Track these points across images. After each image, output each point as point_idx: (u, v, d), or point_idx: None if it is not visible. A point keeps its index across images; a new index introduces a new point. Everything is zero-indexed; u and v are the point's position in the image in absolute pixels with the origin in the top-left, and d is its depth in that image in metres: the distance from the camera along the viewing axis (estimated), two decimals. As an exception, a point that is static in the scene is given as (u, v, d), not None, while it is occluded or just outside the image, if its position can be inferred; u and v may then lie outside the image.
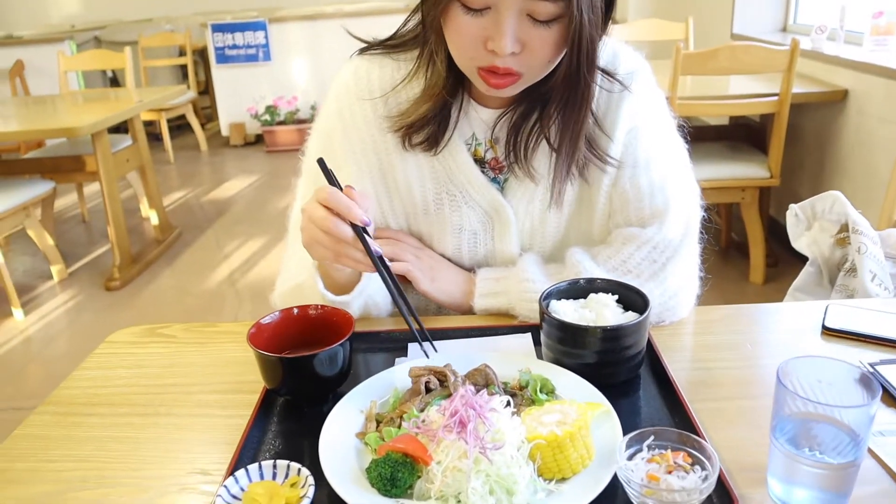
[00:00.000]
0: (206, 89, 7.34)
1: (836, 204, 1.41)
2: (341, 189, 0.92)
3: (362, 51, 1.12)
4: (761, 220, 3.16)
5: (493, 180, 1.11)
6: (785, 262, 3.35)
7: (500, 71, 0.92)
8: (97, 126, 3.29)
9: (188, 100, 6.23)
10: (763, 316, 1.12)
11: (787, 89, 2.83)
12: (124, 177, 4.18)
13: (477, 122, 1.09)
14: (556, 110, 1.01)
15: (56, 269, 3.77)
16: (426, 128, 1.05)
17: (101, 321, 3.32)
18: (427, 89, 1.03)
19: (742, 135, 3.52)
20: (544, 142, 1.05)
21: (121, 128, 4.04)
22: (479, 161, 1.11)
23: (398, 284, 0.96)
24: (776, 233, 3.51)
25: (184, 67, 6.84)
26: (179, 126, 7.03)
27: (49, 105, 3.97)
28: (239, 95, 6.39)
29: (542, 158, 1.07)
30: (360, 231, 0.90)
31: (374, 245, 0.92)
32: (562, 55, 0.93)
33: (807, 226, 1.45)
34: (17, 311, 3.37)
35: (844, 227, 1.42)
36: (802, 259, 1.52)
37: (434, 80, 1.02)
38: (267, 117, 6.16)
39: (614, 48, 1.08)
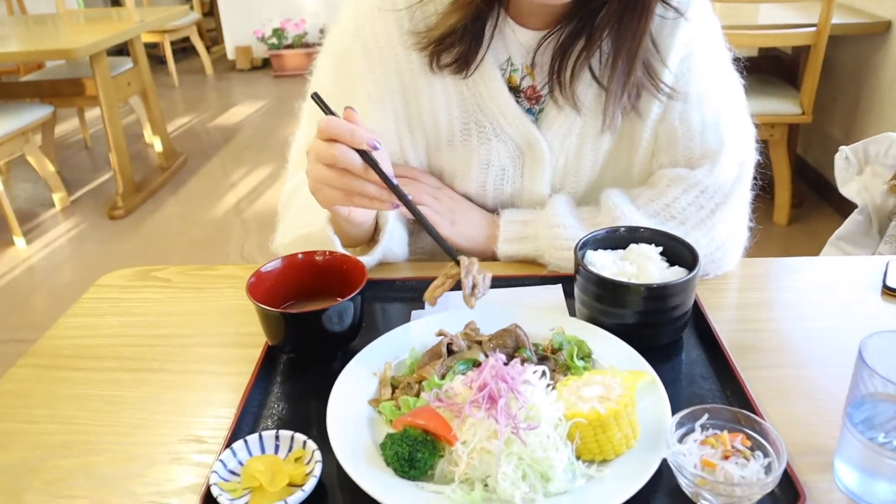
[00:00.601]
0: (212, 10, 7.07)
1: (892, 147, 1.29)
2: None
3: None
4: (789, 158, 3.02)
5: (528, 111, 1.00)
6: (811, 202, 3.22)
7: None
8: (95, 47, 3.13)
9: (192, 21, 6.02)
10: (814, 271, 1.02)
11: (826, 20, 2.65)
12: (126, 101, 4.04)
13: (514, 45, 0.97)
14: (611, 24, 0.89)
15: (58, 197, 3.68)
16: (456, 46, 0.93)
17: (104, 251, 3.25)
18: None
19: (771, 68, 3.34)
20: (588, 70, 0.94)
21: (123, 50, 3.87)
22: (514, 89, 0.99)
23: (424, 218, 0.84)
24: (803, 172, 3.38)
25: (187, -13, 6.59)
26: (184, 49, 6.81)
27: (48, 25, 3.80)
28: (245, 17, 6.16)
29: (587, 87, 0.96)
30: (370, 158, 0.77)
31: (390, 171, 0.80)
32: None
33: (857, 170, 1.33)
34: (19, 240, 3.30)
35: (899, 172, 1.30)
36: (829, 200, 1.41)
37: None
38: (274, 41, 5.95)
39: None
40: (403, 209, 0.80)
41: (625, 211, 0.95)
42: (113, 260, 3.14)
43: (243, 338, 0.86)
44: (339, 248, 0.88)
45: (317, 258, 0.83)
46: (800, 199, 3.20)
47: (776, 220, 3.09)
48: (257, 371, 0.77)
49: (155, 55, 6.11)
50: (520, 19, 0.96)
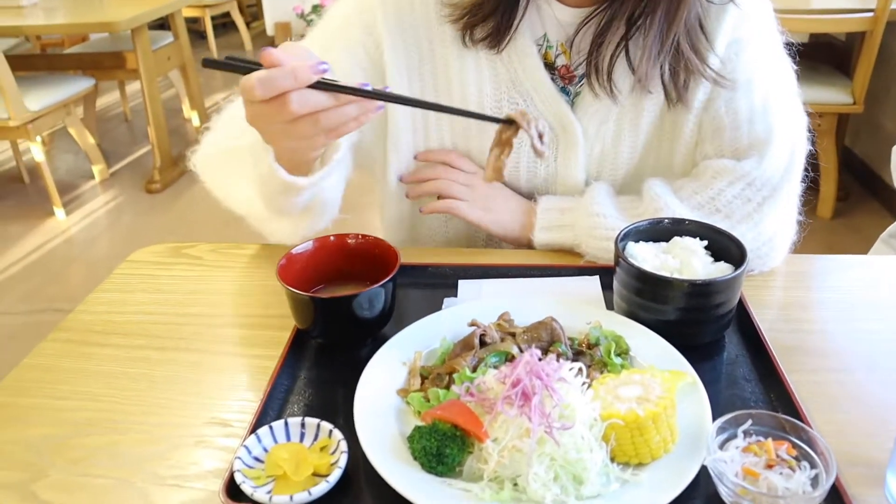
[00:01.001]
0: (253, -15, 7.09)
1: (953, 140, 1.22)
2: None
3: None
4: (836, 149, 2.92)
5: (563, 90, 0.96)
6: (857, 196, 3.12)
7: None
8: (136, 21, 3.15)
9: (232, -6, 6.03)
10: (862, 269, 0.97)
11: (886, 5, 2.54)
12: (166, 75, 4.06)
13: (551, 21, 0.94)
14: (651, 10, 0.84)
15: (97, 169, 3.72)
16: (490, 19, 0.89)
17: (140, 224, 3.28)
18: None
19: (823, 55, 3.23)
20: (626, 57, 0.90)
21: (164, 24, 3.89)
22: (549, 66, 0.95)
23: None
24: (849, 164, 3.28)
25: (229, -38, 6.59)
26: (224, 24, 6.83)
27: (88, -1, 3.83)
28: (285, -7, 6.15)
29: (625, 75, 0.92)
30: (326, 83, 0.67)
31: (351, 83, 0.69)
32: None
33: (915, 164, 1.27)
34: (59, 211, 3.34)
35: (958, 168, 1.24)
36: (876, 194, 1.35)
37: None
38: (313, 17, 5.93)
39: None
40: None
41: (668, 202, 0.91)
42: (149, 233, 3.17)
43: (272, 320, 0.85)
44: (272, 160, 0.76)
45: (349, 241, 0.81)
46: (846, 193, 3.11)
47: (820, 213, 3.00)
48: (285, 355, 0.76)
49: (195, 30, 6.13)
50: None
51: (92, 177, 3.74)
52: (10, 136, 3.19)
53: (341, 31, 0.97)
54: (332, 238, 0.81)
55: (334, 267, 0.81)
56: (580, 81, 0.96)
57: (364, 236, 0.82)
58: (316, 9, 5.88)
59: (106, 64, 3.71)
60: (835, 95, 2.79)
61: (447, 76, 0.96)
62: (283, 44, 0.72)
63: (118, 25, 3.01)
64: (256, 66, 0.67)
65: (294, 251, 0.79)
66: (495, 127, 0.86)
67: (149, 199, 3.51)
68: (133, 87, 4.94)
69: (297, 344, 0.78)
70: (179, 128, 4.43)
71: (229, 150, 0.91)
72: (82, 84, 3.45)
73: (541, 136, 0.74)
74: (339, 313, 0.74)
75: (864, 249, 1.49)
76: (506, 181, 1.02)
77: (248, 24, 6.53)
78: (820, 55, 3.23)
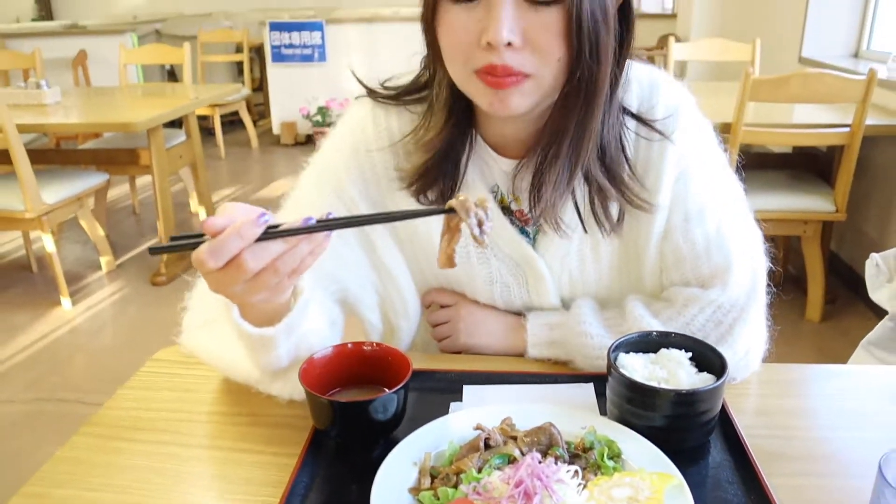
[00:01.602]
0: (261, 86, 7.40)
1: (921, 256, 1.32)
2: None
3: (372, 95, 1.02)
4: (822, 255, 3.04)
5: (523, 231, 1.03)
6: (844, 300, 3.22)
7: (499, 69, 0.81)
8: (153, 122, 3.32)
9: (242, 97, 6.30)
10: (843, 378, 1.04)
11: (861, 121, 2.71)
12: (176, 171, 4.22)
13: (498, 172, 1.01)
14: (558, 120, 0.89)
15: (105, 261, 3.82)
16: (434, 186, 0.97)
17: (146, 316, 3.35)
18: (431, 127, 0.95)
19: (806, 164, 3.39)
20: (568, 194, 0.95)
21: (175, 122, 4.07)
22: (507, 210, 1.03)
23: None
24: (836, 269, 3.38)
25: (239, 64, 6.92)
26: (232, 121, 7.11)
27: (108, 97, 4.03)
28: (292, 95, 6.43)
29: (569, 210, 0.98)
30: (272, 231, 0.71)
31: (295, 223, 0.72)
32: (570, 55, 0.82)
33: (888, 277, 1.36)
34: (66, 300, 3.42)
35: (929, 282, 1.33)
36: (863, 298, 1.43)
37: (438, 116, 0.94)
38: (319, 118, 6.19)
39: (652, 78, 0.99)
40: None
41: (650, 324, 0.97)
42: (153, 326, 3.23)
43: (291, 419, 0.91)
44: (236, 315, 0.80)
45: (365, 348, 0.89)
46: (833, 296, 3.20)
47: (809, 316, 3.08)
48: (304, 454, 0.82)
49: (204, 127, 6.36)
50: (497, 148, 0.99)
51: (99, 267, 3.84)
52: (24, 228, 3.30)
53: (312, 198, 1.03)
54: (349, 345, 0.89)
55: (351, 371, 0.88)
56: (536, 222, 1.02)
57: (378, 345, 0.89)
58: (321, 110, 6.14)
59: (120, 160, 3.87)
60: (819, 204, 2.92)
61: (414, 228, 1.03)
62: (221, 206, 0.73)
63: (137, 126, 3.17)
64: (199, 238, 0.71)
65: (315, 356, 0.87)
66: (464, 271, 0.96)
67: (154, 291, 3.59)
68: (142, 180, 5.12)
69: (316, 443, 0.85)
70: (186, 221, 4.56)
71: (208, 324, 0.95)
72: (96, 179, 3.59)
73: (480, 224, 0.75)
74: (355, 416, 0.81)
75: (852, 352, 1.56)
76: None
77: (255, 122, 6.80)
78: (804, 165, 3.39)
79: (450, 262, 0.77)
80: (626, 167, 0.96)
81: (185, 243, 0.71)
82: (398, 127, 1.00)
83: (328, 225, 0.72)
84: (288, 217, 0.95)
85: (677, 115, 0.97)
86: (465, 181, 0.99)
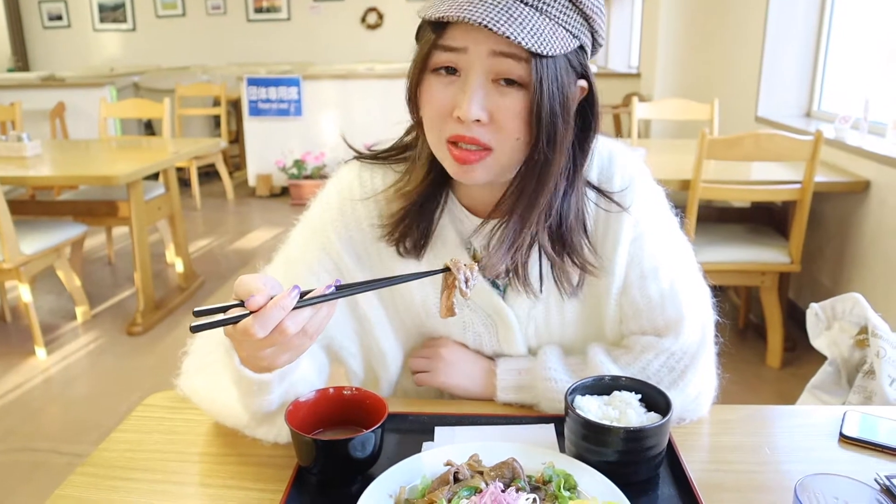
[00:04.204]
0: (237, 138, 7.53)
1: (856, 306, 1.44)
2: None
3: (360, 158, 1.13)
4: (780, 304, 3.18)
5: (494, 283, 1.11)
6: (803, 346, 3.34)
7: (466, 139, 0.91)
8: (133, 176, 3.39)
9: (219, 149, 6.39)
10: (781, 418, 1.14)
11: (810, 178, 2.88)
12: (154, 223, 4.28)
13: (471, 229, 1.08)
14: (515, 193, 0.98)
15: (81, 311, 3.84)
16: (408, 238, 1.06)
17: (121, 366, 3.37)
18: (411, 181, 1.05)
19: (764, 217, 3.56)
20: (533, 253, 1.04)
21: (155, 175, 4.14)
22: (478, 262, 1.11)
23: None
24: (795, 317, 3.52)
25: (216, 117, 7.04)
26: (208, 173, 7.19)
27: (87, 150, 4.10)
28: (268, 147, 6.55)
29: (536, 274, 1.07)
30: (301, 299, 0.82)
31: (318, 291, 0.83)
32: (531, 138, 0.92)
33: (826, 325, 1.48)
34: (41, 350, 3.43)
35: (864, 329, 1.45)
36: None
37: (418, 171, 1.04)
38: (294, 171, 6.30)
39: (610, 151, 1.08)
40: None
41: (610, 369, 1.07)
42: (129, 376, 3.26)
43: (276, 458, 0.98)
44: (237, 363, 0.89)
45: (345, 392, 0.98)
46: (793, 343, 3.33)
47: (769, 363, 3.21)
48: (288, 490, 0.90)
49: (180, 177, 6.45)
50: (470, 207, 1.08)
51: (75, 317, 3.86)
52: (1, 278, 3.32)
53: (302, 254, 1.12)
54: (331, 390, 0.98)
55: (333, 414, 0.96)
56: (506, 276, 1.07)
57: (358, 389, 0.98)
58: (297, 163, 6.25)
59: (99, 212, 3.93)
60: (774, 255, 3.07)
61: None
62: (247, 279, 0.84)
63: (118, 179, 3.24)
64: (233, 309, 0.81)
65: (300, 399, 0.95)
66: (439, 320, 1.08)
67: (130, 341, 3.61)
68: (118, 230, 5.16)
69: (299, 479, 0.92)
70: (161, 272, 4.60)
71: (206, 366, 1.04)
72: (75, 230, 3.64)
73: (467, 281, 0.89)
74: (336, 453, 0.89)
75: (807, 398, 1.66)
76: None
77: (230, 174, 6.88)
78: (762, 218, 3.56)
79: (450, 312, 0.91)
80: (585, 238, 1.06)
81: (228, 320, 0.80)
82: (382, 184, 1.10)
83: (344, 291, 0.85)
84: (279, 271, 1.06)
85: (633, 186, 1.06)
86: (440, 235, 1.09)
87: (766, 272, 3.09)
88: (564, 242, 1.03)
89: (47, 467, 2.54)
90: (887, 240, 2.95)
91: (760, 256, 3.07)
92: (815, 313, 1.50)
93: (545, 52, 0.87)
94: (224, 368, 0.93)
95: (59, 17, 10.83)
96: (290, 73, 6.53)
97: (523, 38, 0.85)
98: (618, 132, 6.32)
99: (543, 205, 0.98)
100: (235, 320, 0.80)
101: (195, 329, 0.79)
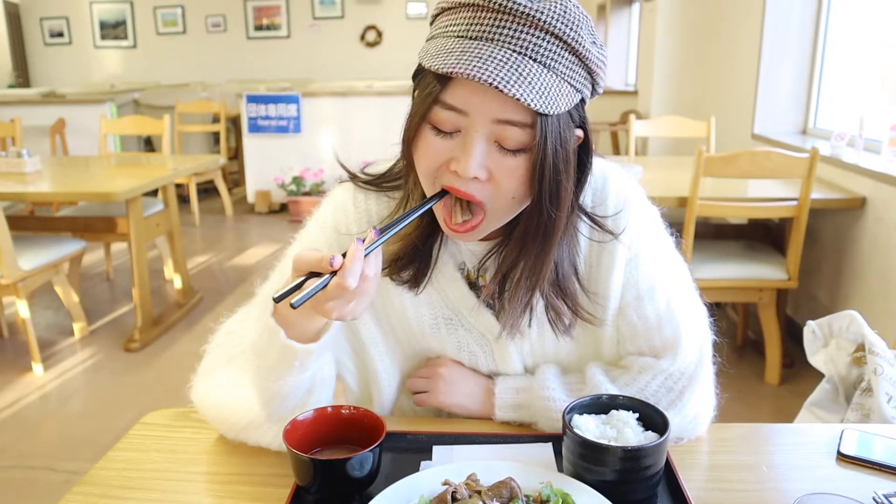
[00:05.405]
0: (236, 155, 7.55)
1: (852, 324, 1.45)
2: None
3: (354, 180, 1.12)
4: (778, 320, 3.18)
5: (489, 305, 1.11)
6: (802, 362, 3.34)
7: (461, 193, 0.91)
8: (133, 192, 3.40)
9: (219, 166, 6.41)
10: (779, 436, 1.14)
11: (806, 195, 2.89)
12: (153, 239, 4.28)
13: (466, 252, 1.10)
14: (517, 249, 0.99)
15: (78, 327, 3.84)
16: (406, 271, 1.06)
17: (118, 383, 3.36)
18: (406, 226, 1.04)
19: (761, 234, 3.58)
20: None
21: (152, 190, 4.15)
22: (472, 284, 1.11)
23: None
24: (793, 333, 3.52)
25: (216, 133, 7.06)
26: (207, 189, 7.21)
27: (87, 167, 4.12)
28: (267, 164, 6.57)
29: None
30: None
31: (370, 238, 0.86)
32: (529, 196, 0.92)
33: (823, 343, 1.48)
34: (38, 366, 3.42)
35: (861, 347, 1.45)
36: None
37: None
38: (293, 187, 6.31)
39: (604, 172, 1.08)
40: None
41: (608, 389, 1.07)
42: (125, 392, 3.25)
43: (274, 478, 0.98)
44: (284, 337, 0.92)
45: (343, 411, 0.98)
46: (791, 360, 3.33)
47: (768, 379, 3.20)
48: (286, 509, 0.89)
49: (179, 194, 6.45)
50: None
51: (72, 333, 3.85)
52: (0, 294, 3.32)
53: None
54: (329, 409, 0.98)
55: (331, 433, 0.96)
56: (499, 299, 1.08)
57: (356, 408, 0.98)
58: (296, 180, 6.27)
59: (98, 228, 3.94)
60: (772, 272, 3.08)
61: (391, 303, 1.12)
62: (305, 253, 0.86)
63: (118, 196, 3.25)
64: (309, 279, 0.84)
65: (298, 418, 0.95)
66: (434, 340, 1.09)
67: (127, 357, 3.61)
68: (116, 246, 5.16)
69: (297, 499, 0.92)
70: (160, 289, 4.60)
71: (233, 358, 1.04)
72: (73, 246, 3.64)
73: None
74: (334, 473, 0.89)
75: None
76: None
77: (229, 190, 6.90)
78: (759, 235, 3.58)
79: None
80: (577, 281, 1.06)
81: (316, 288, 0.82)
82: (376, 210, 1.11)
83: (386, 234, 0.88)
84: (275, 287, 1.06)
85: (627, 207, 1.06)
86: (440, 270, 1.09)
87: (763, 289, 3.10)
88: (561, 289, 1.04)
89: (42, 485, 2.52)
90: (884, 256, 2.96)
91: (758, 273, 3.08)
92: (812, 331, 1.51)
93: (551, 112, 0.86)
94: (258, 355, 0.96)
95: (61, 34, 10.91)
96: (290, 90, 6.57)
97: (532, 100, 0.83)
98: (615, 149, 6.35)
99: (551, 260, 0.99)
100: (323, 286, 0.83)
101: (296, 304, 0.80)
